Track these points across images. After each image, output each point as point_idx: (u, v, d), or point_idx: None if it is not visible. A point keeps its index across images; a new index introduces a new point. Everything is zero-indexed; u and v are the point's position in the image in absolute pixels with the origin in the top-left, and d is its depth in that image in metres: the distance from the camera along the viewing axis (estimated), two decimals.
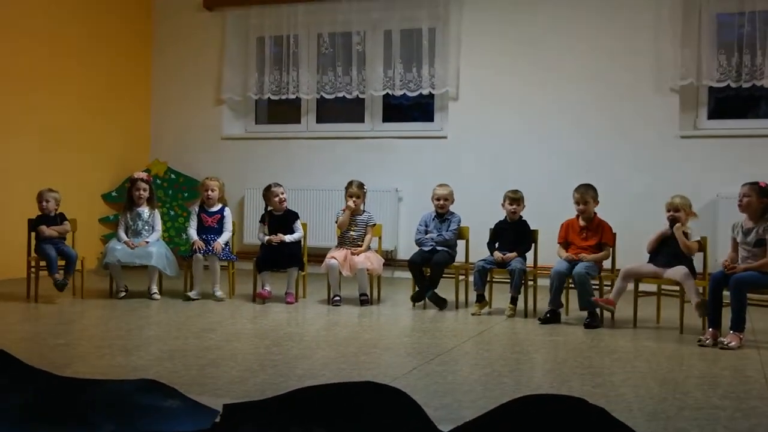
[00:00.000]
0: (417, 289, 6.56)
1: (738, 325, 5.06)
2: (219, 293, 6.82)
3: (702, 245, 5.76)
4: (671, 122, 7.82)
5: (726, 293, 5.19)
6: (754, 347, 5.05)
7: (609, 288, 6.16)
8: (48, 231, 6.68)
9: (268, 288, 6.73)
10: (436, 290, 6.49)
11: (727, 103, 8.05)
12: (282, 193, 6.90)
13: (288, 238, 6.78)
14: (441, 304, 6.42)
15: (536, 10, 8.23)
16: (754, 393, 3.95)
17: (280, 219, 6.89)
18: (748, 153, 7.55)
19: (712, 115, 7.96)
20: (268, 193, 6.93)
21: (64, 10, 8.51)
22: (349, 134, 9.05)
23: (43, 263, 6.66)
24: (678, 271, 5.58)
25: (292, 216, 6.93)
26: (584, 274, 5.83)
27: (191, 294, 6.79)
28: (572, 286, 6.14)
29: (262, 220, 6.95)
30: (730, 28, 7.68)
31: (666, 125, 7.82)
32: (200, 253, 6.80)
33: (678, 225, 5.69)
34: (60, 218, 6.80)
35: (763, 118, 7.88)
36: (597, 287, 5.96)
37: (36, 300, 6.61)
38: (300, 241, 6.93)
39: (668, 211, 5.78)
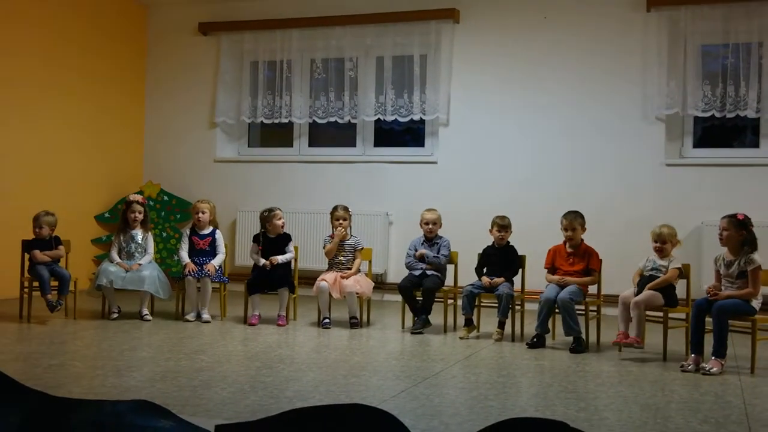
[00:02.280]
0: (414, 315, 6.58)
1: (720, 351, 5.17)
2: (205, 316, 6.87)
3: (683, 272, 5.85)
4: (658, 150, 7.95)
5: (708, 320, 5.30)
6: (735, 373, 5.15)
7: (594, 313, 6.26)
8: (41, 256, 6.73)
9: (257, 314, 6.81)
10: (430, 312, 6.57)
11: (713, 133, 8.20)
12: (282, 218, 7.01)
13: (280, 258, 6.86)
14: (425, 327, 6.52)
15: (526, 40, 8.39)
16: (733, 418, 4.05)
17: (274, 241, 6.98)
18: (733, 181, 7.69)
19: (698, 144, 8.10)
20: (270, 215, 6.98)
21: (57, 33, 8.61)
22: (341, 158, 9.16)
23: (36, 284, 6.72)
24: (635, 299, 5.65)
25: (286, 238, 7.03)
26: (568, 299, 5.91)
27: (189, 317, 6.85)
28: (557, 311, 6.24)
29: (256, 241, 7.03)
30: (715, 60, 7.86)
31: (652, 153, 7.95)
32: (192, 275, 6.87)
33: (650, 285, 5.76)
34: (55, 241, 6.85)
35: (748, 148, 8.01)
36: (582, 313, 6.05)
37: (29, 320, 6.67)
38: (291, 262, 7.02)
39: (655, 241, 5.87)
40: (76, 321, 6.80)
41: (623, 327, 5.76)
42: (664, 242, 5.83)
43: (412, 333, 6.46)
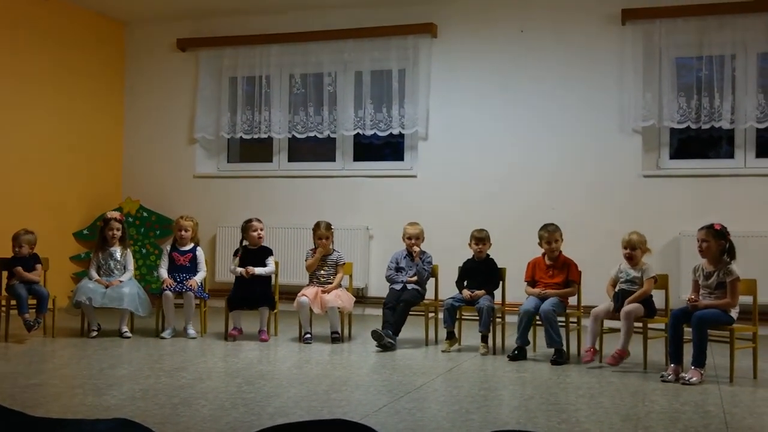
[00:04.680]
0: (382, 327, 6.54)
1: (699, 361, 5.21)
2: (191, 332, 6.85)
3: (657, 281, 5.88)
4: (635, 162, 8.02)
5: (687, 329, 5.34)
6: (714, 382, 5.19)
7: (575, 324, 6.30)
8: (25, 275, 6.68)
9: (239, 327, 6.79)
10: (399, 329, 6.53)
11: (689, 144, 8.29)
12: (261, 229, 7.00)
13: (258, 270, 6.86)
14: (381, 340, 6.36)
15: (503, 54, 8.45)
16: (713, 428, 4.08)
17: (254, 253, 6.98)
18: (709, 192, 7.77)
19: (675, 155, 8.18)
20: (247, 226, 7.00)
21: (33, 51, 8.57)
22: (321, 173, 9.17)
23: (13, 302, 6.66)
24: (625, 309, 5.69)
25: (266, 251, 7.03)
26: (551, 311, 5.94)
27: (164, 334, 6.81)
28: (539, 323, 6.27)
29: (236, 254, 7.02)
30: (689, 72, 7.95)
31: (630, 165, 8.02)
32: (170, 290, 6.84)
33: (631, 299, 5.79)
34: (33, 259, 6.81)
35: (723, 158, 8.10)
36: (563, 324, 6.07)
37: (6, 339, 6.60)
38: (271, 277, 7.01)
39: (625, 248, 5.92)
40: (55, 339, 6.74)
41: (591, 342, 5.83)
42: (634, 248, 5.87)
43: (372, 335, 6.38)
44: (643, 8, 7.90)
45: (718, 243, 5.43)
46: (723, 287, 5.38)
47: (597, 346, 5.88)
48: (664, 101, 7.86)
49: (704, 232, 5.47)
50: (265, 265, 6.95)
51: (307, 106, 9.11)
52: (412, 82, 8.71)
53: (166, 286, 6.86)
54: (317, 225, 6.96)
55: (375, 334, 6.36)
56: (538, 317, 6.13)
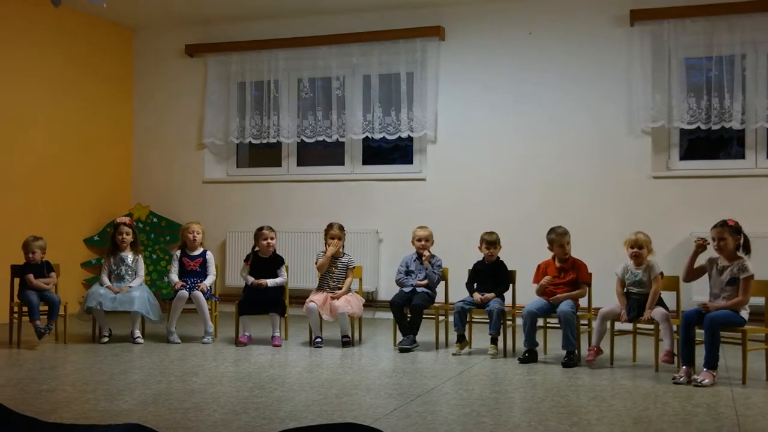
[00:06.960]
0: (401, 333, 6.61)
1: (711, 363, 5.18)
2: (206, 339, 6.85)
3: (659, 280, 5.86)
4: (644, 163, 8.00)
5: (698, 331, 5.32)
6: (726, 384, 5.16)
7: (585, 326, 6.28)
8: (36, 283, 6.70)
9: (248, 334, 6.79)
10: (417, 330, 6.59)
11: (699, 145, 8.25)
12: (272, 238, 7.00)
13: (270, 282, 6.87)
14: (410, 350, 6.48)
15: (512, 57, 8.44)
16: (725, 430, 4.05)
17: (265, 262, 6.98)
18: (720, 192, 7.74)
19: (685, 156, 8.15)
20: (258, 234, 7.02)
21: (45, 54, 8.62)
22: (330, 177, 9.18)
23: (25, 309, 6.68)
24: (660, 313, 5.71)
25: (278, 261, 7.03)
26: (570, 312, 5.92)
27: (172, 339, 6.83)
28: (550, 325, 6.26)
29: (247, 260, 7.03)
30: (699, 72, 7.93)
31: (639, 166, 8.00)
32: (184, 288, 6.85)
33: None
34: (46, 267, 6.83)
35: (734, 159, 8.07)
36: None
37: (18, 346, 6.63)
38: (283, 286, 7.01)
39: (631, 247, 5.92)
40: (66, 345, 6.76)
41: (597, 341, 5.86)
42: (641, 247, 5.89)
43: (399, 351, 6.45)
44: (651, 9, 7.87)
45: (735, 239, 5.43)
46: (734, 283, 5.37)
47: (607, 347, 5.89)
48: (673, 102, 7.83)
49: (719, 229, 5.46)
50: (276, 275, 6.96)
51: (316, 110, 9.12)
52: (421, 86, 8.71)
53: (180, 287, 6.88)
54: (330, 225, 6.97)
55: (403, 350, 6.41)
56: (547, 319, 6.14)
